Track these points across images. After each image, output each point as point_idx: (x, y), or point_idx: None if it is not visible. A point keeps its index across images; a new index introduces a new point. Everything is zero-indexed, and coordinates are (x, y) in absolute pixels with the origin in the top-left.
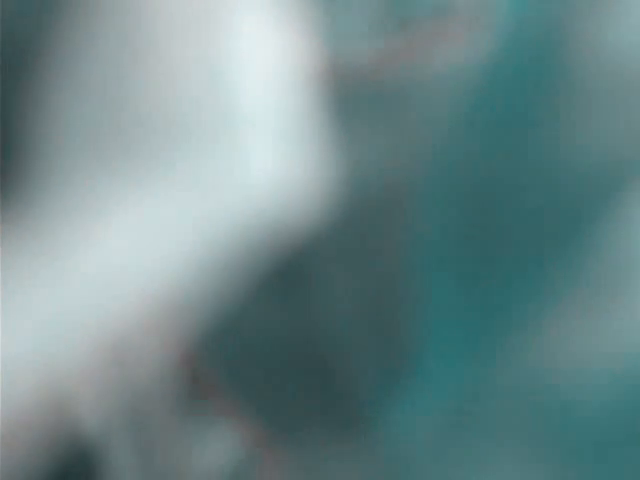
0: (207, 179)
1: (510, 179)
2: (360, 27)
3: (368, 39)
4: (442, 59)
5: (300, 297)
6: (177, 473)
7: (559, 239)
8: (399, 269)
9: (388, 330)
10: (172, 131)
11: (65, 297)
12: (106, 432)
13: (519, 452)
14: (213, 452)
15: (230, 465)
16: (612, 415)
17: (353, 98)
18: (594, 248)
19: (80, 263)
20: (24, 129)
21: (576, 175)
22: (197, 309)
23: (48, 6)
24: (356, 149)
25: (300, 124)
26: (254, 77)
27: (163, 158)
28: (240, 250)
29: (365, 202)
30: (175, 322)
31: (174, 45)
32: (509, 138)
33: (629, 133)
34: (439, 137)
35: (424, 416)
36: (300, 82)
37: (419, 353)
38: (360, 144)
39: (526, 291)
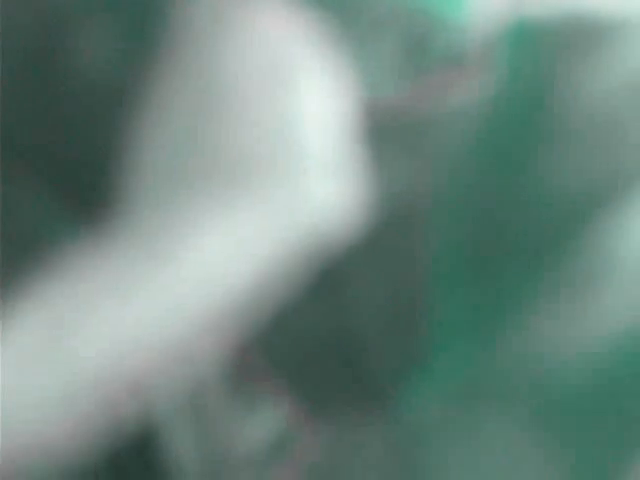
0: (276, 204)
1: (510, 198)
2: (387, 75)
3: (394, 84)
4: (454, 100)
5: (336, 297)
6: (231, 443)
7: (549, 249)
8: (418, 273)
9: (407, 323)
10: (248, 166)
11: (163, 293)
12: (171, 411)
13: (515, 418)
14: (261, 425)
15: (275, 435)
16: (589, 388)
17: (382, 131)
18: (577, 254)
19: (175, 267)
20: (126, 159)
21: (563, 195)
22: (258, 308)
23: (144, 58)
24: (385, 173)
25: (344, 158)
26: (312, 123)
27: (241, 188)
28: (299, 257)
29: (391, 219)
30: (237, 319)
31: (249, 98)
32: (509, 164)
33: (605, 161)
34: (452, 163)
35: (436, 392)
36: (342, 122)
37: (432, 341)
38: (388, 169)
39: (521, 290)
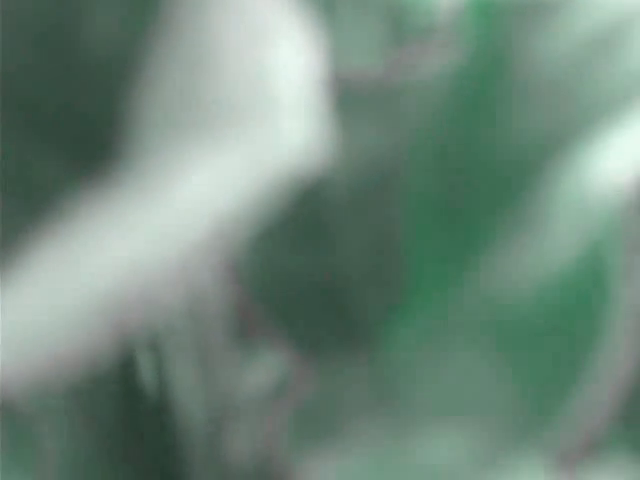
0: (255, 143)
1: (475, 154)
2: (362, 47)
3: (369, 56)
4: (426, 68)
5: (321, 244)
6: (232, 386)
7: (509, 198)
8: (395, 219)
9: (387, 266)
10: (230, 113)
11: (159, 224)
12: (177, 360)
13: (483, 345)
14: (259, 369)
15: (272, 379)
16: (542, 317)
17: (358, 99)
18: (533, 201)
19: (169, 201)
20: (128, 112)
21: (521, 149)
22: (241, 235)
23: (144, 23)
24: (362, 135)
25: (313, 106)
26: (285, 75)
27: (225, 134)
28: (276, 188)
29: (369, 174)
30: (224, 242)
31: (232, 54)
32: (474, 124)
33: (558, 119)
34: (423, 124)
35: (415, 329)
36: (314, 77)
37: (410, 282)
38: (365, 131)
39: (486, 235)
